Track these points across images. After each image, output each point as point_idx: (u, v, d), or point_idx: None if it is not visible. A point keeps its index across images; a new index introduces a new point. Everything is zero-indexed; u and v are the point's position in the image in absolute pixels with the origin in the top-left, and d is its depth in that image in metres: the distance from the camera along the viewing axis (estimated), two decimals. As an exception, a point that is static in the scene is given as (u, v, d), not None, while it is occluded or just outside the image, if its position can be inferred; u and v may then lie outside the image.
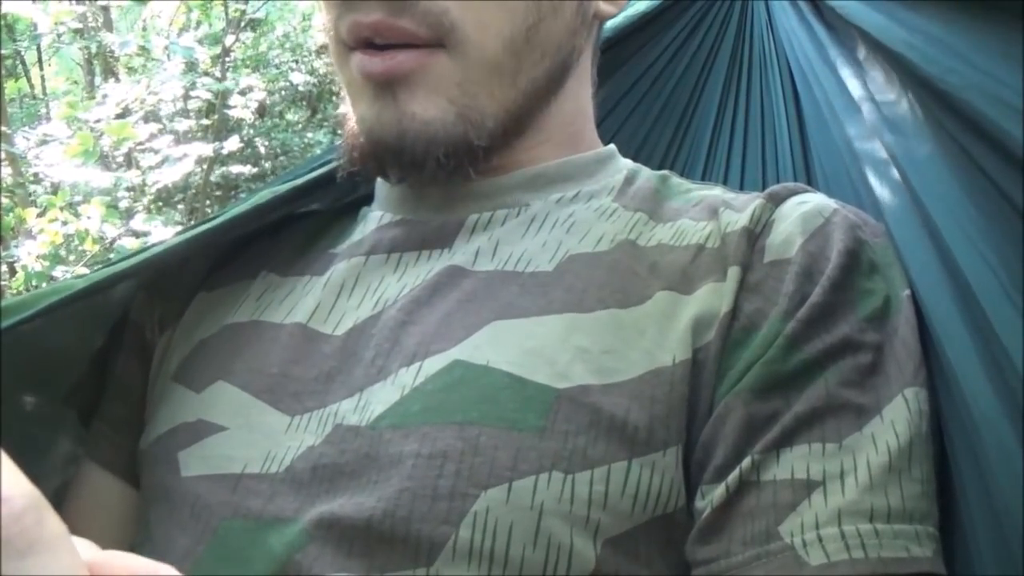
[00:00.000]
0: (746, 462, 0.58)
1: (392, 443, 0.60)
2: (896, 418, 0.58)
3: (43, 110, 5.93)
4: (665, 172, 0.78)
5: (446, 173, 0.68)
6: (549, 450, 0.58)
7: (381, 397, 0.62)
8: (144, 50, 4.95)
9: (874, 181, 0.73)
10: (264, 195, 0.78)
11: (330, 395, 0.65)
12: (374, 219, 0.76)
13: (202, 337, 0.75)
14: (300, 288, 0.74)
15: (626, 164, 0.78)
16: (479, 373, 0.61)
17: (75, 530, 0.67)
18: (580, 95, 0.77)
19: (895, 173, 0.70)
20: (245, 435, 0.66)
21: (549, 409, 0.59)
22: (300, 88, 6.69)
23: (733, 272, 0.64)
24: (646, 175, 0.76)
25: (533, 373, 0.60)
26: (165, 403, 0.72)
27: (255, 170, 6.11)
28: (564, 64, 0.72)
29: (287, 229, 0.82)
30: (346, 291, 0.71)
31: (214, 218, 0.76)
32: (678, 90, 1.02)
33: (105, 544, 0.69)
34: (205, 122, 5.46)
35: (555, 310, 0.64)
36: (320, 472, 0.61)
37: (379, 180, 0.79)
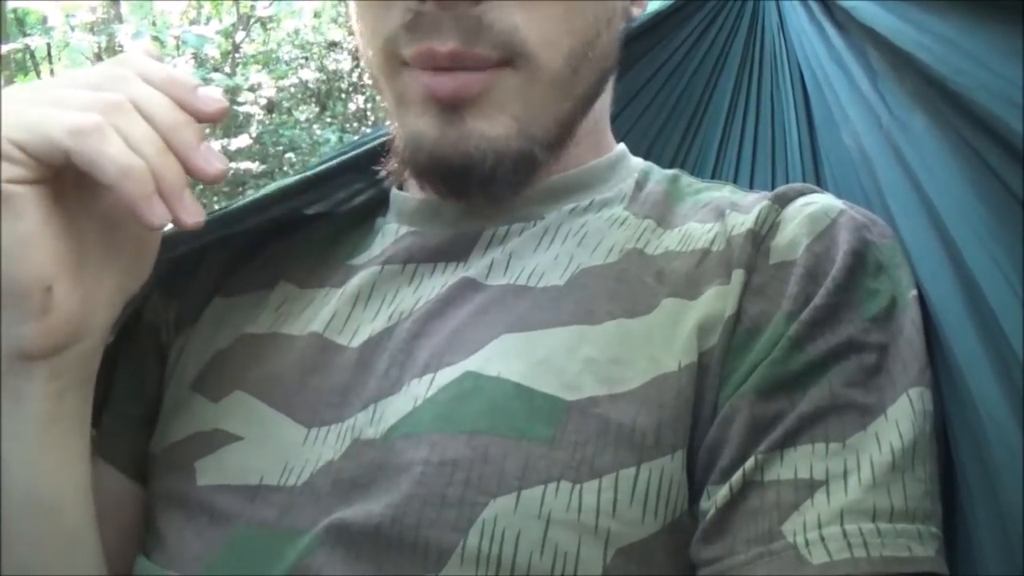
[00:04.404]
0: (749, 462, 0.58)
1: (403, 452, 0.60)
2: (900, 418, 0.58)
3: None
4: (676, 172, 0.78)
5: (512, 187, 0.68)
6: (558, 460, 0.58)
7: (394, 408, 0.63)
8: (157, 40, 4.95)
9: (883, 181, 0.73)
10: (274, 186, 0.78)
11: (347, 409, 0.65)
12: (391, 231, 0.76)
13: (220, 347, 0.75)
14: (319, 300, 0.74)
15: (637, 165, 0.78)
16: (490, 384, 0.61)
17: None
18: (605, 96, 0.77)
19: (904, 173, 0.70)
20: (261, 446, 0.67)
21: (558, 420, 0.59)
22: (310, 85, 6.69)
23: (737, 275, 0.64)
24: (657, 177, 0.77)
25: (543, 384, 0.61)
26: (181, 410, 0.73)
27: (263, 167, 6.11)
28: (608, 72, 0.73)
29: (301, 234, 0.82)
30: (361, 301, 0.71)
31: (222, 210, 0.76)
32: (690, 88, 1.02)
33: (113, 540, 0.70)
34: (214, 118, 5.46)
35: (564, 322, 0.64)
36: (339, 486, 0.62)
37: (394, 191, 0.79)
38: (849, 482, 0.56)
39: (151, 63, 0.59)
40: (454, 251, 0.72)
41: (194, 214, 0.57)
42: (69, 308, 0.59)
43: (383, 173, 0.75)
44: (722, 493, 0.58)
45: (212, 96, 0.60)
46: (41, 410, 0.61)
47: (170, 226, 0.58)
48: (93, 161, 0.54)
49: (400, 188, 0.79)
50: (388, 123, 0.73)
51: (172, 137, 0.57)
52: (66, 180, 0.58)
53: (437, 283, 0.70)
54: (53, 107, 0.56)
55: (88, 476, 0.67)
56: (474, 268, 0.70)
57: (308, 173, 0.79)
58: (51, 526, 0.64)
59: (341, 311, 0.71)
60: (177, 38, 5.21)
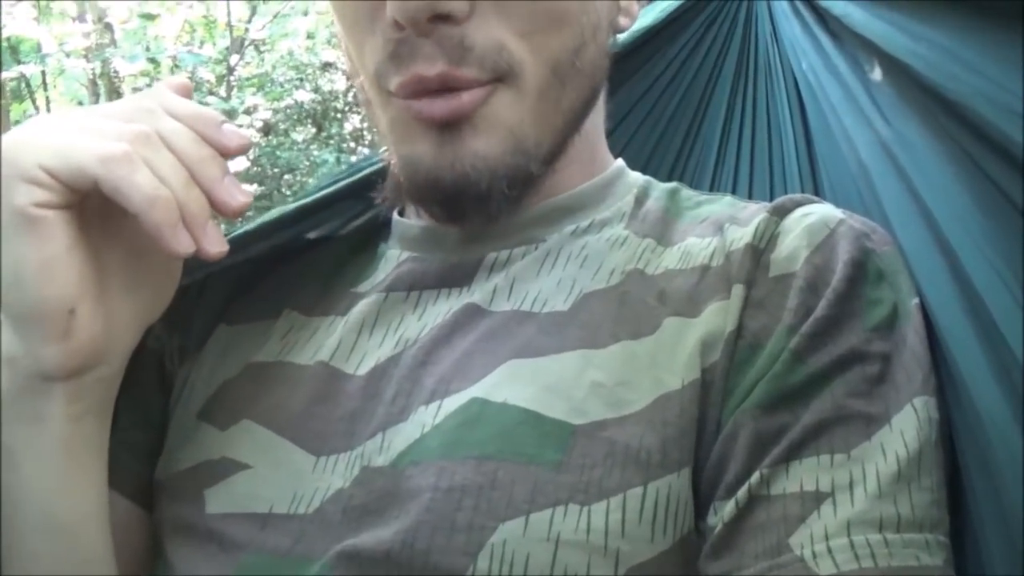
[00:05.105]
0: (755, 477, 0.58)
1: (412, 478, 0.60)
2: (905, 427, 0.58)
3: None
4: (675, 185, 0.78)
5: (508, 204, 0.67)
6: (566, 483, 0.58)
7: (402, 436, 0.63)
8: (153, 61, 4.96)
9: (881, 190, 0.73)
10: (271, 213, 0.78)
11: (355, 437, 0.65)
12: (393, 257, 0.76)
13: (227, 377, 0.75)
14: (324, 329, 0.74)
15: (636, 180, 0.78)
16: (497, 410, 0.61)
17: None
18: (598, 112, 0.77)
19: (901, 181, 0.70)
20: (270, 474, 0.67)
21: (566, 444, 0.59)
22: (305, 106, 6.70)
23: (737, 290, 0.64)
24: (656, 193, 0.77)
25: (550, 409, 0.61)
26: (188, 439, 0.73)
27: (262, 188, 6.12)
28: (598, 85, 0.73)
29: (304, 262, 0.82)
30: (367, 329, 0.72)
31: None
32: (685, 101, 1.02)
33: (119, 567, 0.69)
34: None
35: (570, 347, 0.64)
36: (349, 513, 0.62)
37: (396, 217, 0.79)
38: (855, 493, 0.56)
39: (178, 99, 0.62)
40: (457, 277, 0.72)
41: (217, 244, 0.59)
42: (91, 332, 0.60)
43: (379, 201, 0.74)
44: (729, 508, 0.58)
45: (236, 132, 0.62)
46: (61, 433, 0.62)
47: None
48: (120, 189, 0.56)
49: (401, 214, 0.79)
50: (383, 149, 0.72)
51: (197, 170, 0.59)
52: (92, 207, 0.60)
53: (441, 309, 0.70)
54: (83, 135, 0.57)
55: (105, 500, 0.67)
56: (478, 294, 0.70)
57: (306, 200, 0.79)
58: (68, 549, 0.64)
59: (347, 339, 0.71)
60: (173, 58, 5.23)
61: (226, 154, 0.61)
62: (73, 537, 0.64)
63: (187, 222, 0.58)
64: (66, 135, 0.57)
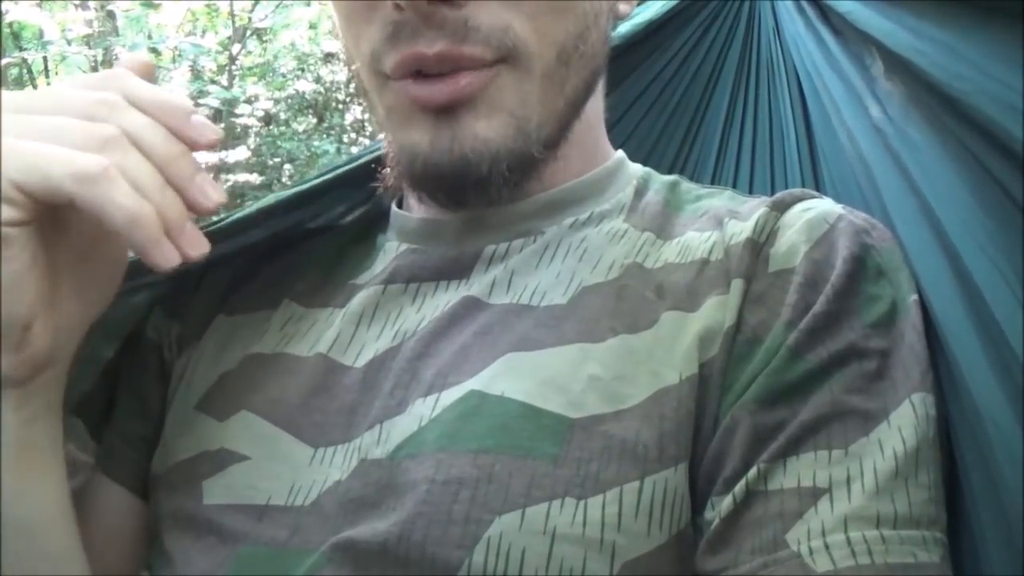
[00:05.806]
0: (752, 472, 0.58)
1: (409, 471, 0.60)
2: (903, 424, 0.58)
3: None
4: (675, 178, 0.78)
5: (509, 189, 0.66)
6: (562, 477, 0.58)
7: (400, 428, 0.63)
8: (154, 51, 4.95)
9: (882, 187, 0.73)
10: (268, 199, 0.78)
11: (353, 429, 0.65)
12: (392, 249, 0.76)
13: (225, 369, 0.75)
14: (323, 320, 0.74)
15: (636, 173, 0.78)
16: (494, 403, 0.61)
17: (87, 542, 0.67)
18: (598, 100, 0.77)
19: (903, 178, 0.70)
20: (268, 465, 0.67)
21: (563, 437, 0.59)
22: (306, 96, 6.69)
23: (736, 285, 0.64)
24: (656, 185, 0.77)
25: (547, 402, 0.61)
26: (186, 430, 0.72)
27: (262, 178, 6.11)
28: (598, 70, 0.72)
29: (303, 251, 0.82)
30: (365, 321, 0.71)
31: (219, 221, 0.76)
32: (687, 96, 1.02)
33: (117, 556, 0.69)
34: (211, 130, 5.45)
35: (568, 341, 0.64)
36: (346, 506, 0.62)
37: (394, 209, 0.79)
38: (852, 489, 0.56)
39: (141, 86, 0.56)
40: (456, 269, 0.72)
41: (198, 246, 0.55)
42: (43, 341, 0.58)
43: (380, 189, 0.74)
44: (726, 503, 0.58)
45: (206, 124, 0.57)
46: (13, 437, 0.60)
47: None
48: (101, 207, 0.51)
49: (399, 206, 0.79)
50: (381, 136, 0.72)
51: (169, 171, 0.55)
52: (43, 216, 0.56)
53: (440, 302, 0.70)
54: (50, 143, 0.52)
55: (67, 498, 0.66)
56: (476, 286, 0.69)
57: (303, 186, 0.78)
58: (35, 548, 0.63)
59: (345, 331, 0.71)
60: (174, 49, 5.22)
61: (196, 149, 0.56)
62: (39, 538, 0.63)
63: (166, 229, 0.54)
64: (31, 143, 0.52)
